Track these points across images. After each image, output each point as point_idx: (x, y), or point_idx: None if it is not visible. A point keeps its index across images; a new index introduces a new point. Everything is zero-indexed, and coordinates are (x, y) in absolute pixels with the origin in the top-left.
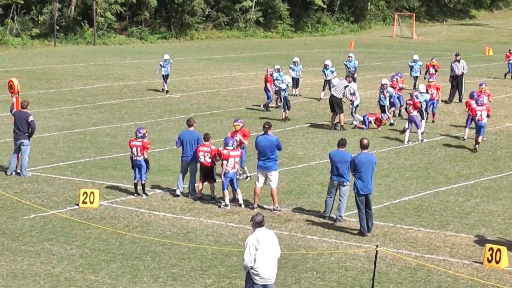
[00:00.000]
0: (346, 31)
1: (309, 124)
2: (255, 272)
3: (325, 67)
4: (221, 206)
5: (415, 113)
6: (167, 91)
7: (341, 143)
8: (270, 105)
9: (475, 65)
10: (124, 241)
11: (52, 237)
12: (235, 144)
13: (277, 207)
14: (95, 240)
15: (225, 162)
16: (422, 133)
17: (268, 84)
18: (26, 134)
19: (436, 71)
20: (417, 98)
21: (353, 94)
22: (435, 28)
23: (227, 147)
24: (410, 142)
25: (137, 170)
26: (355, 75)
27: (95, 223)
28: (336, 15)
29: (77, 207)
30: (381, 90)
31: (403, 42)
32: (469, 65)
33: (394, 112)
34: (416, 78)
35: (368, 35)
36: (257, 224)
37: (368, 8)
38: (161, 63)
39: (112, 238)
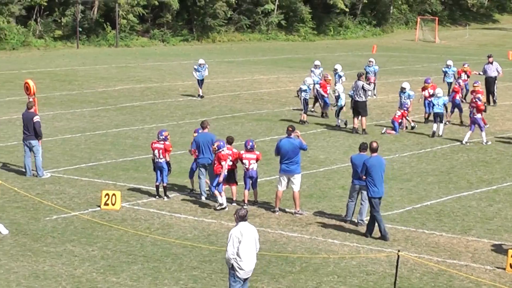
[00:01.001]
0: (368, 34)
1: (330, 128)
2: (239, 266)
3: (335, 71)
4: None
5: (478, 115)
6: (201, 96)
7: (363, 147)
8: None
9: None
10: (146, 243)
11: (74, 239)
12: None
13: (298, 211)
14: (116, 241)
15: (223, 163)
16: (440, 135)
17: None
18: (33, 134)
19: (468, 76)
20: (480, 100)
21: (338, 96)
22: (457, 32)
23: (223, 149)
24: (468, 144)
25: (158, 172)
26: (375, 80)
27: (117, 225)
28: (358, 19)
29: (98, 208)
30: (401, 94)
31: (426, 46)
32: None
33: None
34: (450, 84)
35: (390, 39)
36: (240, 218)
37: (391, 11)
38: (196, 67)
39: (134, 240)
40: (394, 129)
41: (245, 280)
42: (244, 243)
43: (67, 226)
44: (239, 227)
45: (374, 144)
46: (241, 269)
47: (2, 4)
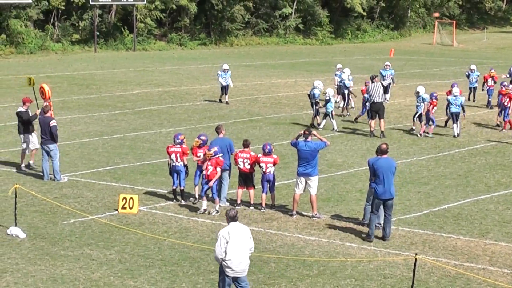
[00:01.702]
0: (386, 38)
1: (348, 131)
2: (226, 265)
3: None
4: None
5: None
6: (220, 101)
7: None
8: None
9: None
10: (163, 247)
11: (92, 242)
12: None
13: (315, 214)
14: (134, 245)
15: (218, 169)
16: (458, 135)
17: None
18: (51, 139)
19: (495, 82)
20: None
21: (328, 100)
22: (475, 36)
23: (220, 155)
24: None
25: (175, 176)
26: (394, 84)
27: (134, 229)
28: (376, 22)
29: (116, 212)
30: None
31: (443, 50)
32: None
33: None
34: (473, 89)
35: (408, 42)
36: (230, 218)
37: (408, 15)
38: (220, 72)
39: (151, 243)
40: (432, 123)
41: (237, 278)
42: (232, 244)
43: (85, 229)
44: (228, 228)
45: (383, 146)
46: (228, 267)
47: (20, 8)
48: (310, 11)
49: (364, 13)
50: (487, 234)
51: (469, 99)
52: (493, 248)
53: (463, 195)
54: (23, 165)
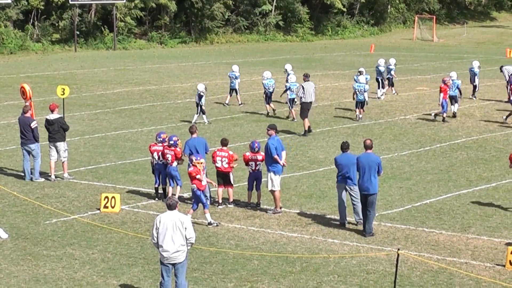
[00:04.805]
0: (366, 34)
1: (329, 128)
2: (160, 250)
3: (285, 71)
4: None
5: None
6: (227, 104)
7: (345, 147)
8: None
9: (495, 67)
10: (146, 245)
11: (74, 242)
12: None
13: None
14: (116, 244)
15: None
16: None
17: (442, 94)
18: (31, 139)
19: None
20: None
21: (201, 96)
22: (455, 31)
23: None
24: None
25: (157, 174)
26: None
27: (117, 228)
28: (356, 18)
29: (98, 211)
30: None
31: (424, 45)
32: (490, 67)
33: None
34: (476, 86)
35: (388, 38)
36: (167, 206)
37: (388, 11)
38: (236, 74)
39: (134, 242)
40: None
41: (174, 265)
42: (162, 230)
43: (67, 229)
44: (161, 215)
45: (367, 142)
46: (161, 253)
47: None
48: (290, 8)
49: (344, 9)
50: (469, 229)
51: (473, 96)
52: (475, 243)
53: (445, 190)
54: (52, 176)
